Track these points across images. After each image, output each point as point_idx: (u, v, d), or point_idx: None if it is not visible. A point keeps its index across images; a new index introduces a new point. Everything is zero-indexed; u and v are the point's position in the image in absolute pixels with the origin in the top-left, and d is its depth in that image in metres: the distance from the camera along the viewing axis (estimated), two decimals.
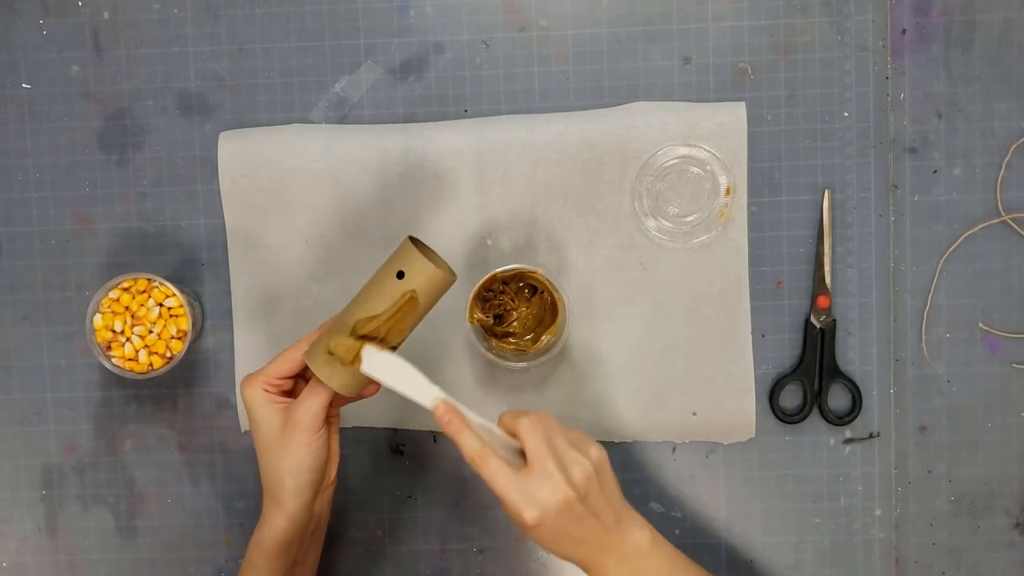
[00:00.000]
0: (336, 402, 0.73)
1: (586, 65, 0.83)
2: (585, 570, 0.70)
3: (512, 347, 0.81)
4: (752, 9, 0.83)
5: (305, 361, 0.70)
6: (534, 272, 0.79)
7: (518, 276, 0.81)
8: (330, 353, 0.69)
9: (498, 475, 0.66)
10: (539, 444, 0.66)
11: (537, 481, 0.65)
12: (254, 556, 0.73)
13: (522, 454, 0.68)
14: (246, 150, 0.84)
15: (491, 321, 0.81)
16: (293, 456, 0.70)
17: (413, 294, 0.68)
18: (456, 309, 0.81)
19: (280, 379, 0.71)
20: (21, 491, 0.87)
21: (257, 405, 0.71)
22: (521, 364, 0.81)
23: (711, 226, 0.83)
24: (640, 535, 0.70)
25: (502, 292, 0.81)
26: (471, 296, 0.79)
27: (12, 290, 0.86)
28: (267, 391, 0.71)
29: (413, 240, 0.70)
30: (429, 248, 0.71)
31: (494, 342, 0.81)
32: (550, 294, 0.80)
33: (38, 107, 0.85)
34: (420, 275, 0.68)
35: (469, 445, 0.66)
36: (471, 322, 0.79)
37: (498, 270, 0.78)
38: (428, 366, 0.84)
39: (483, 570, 0.86)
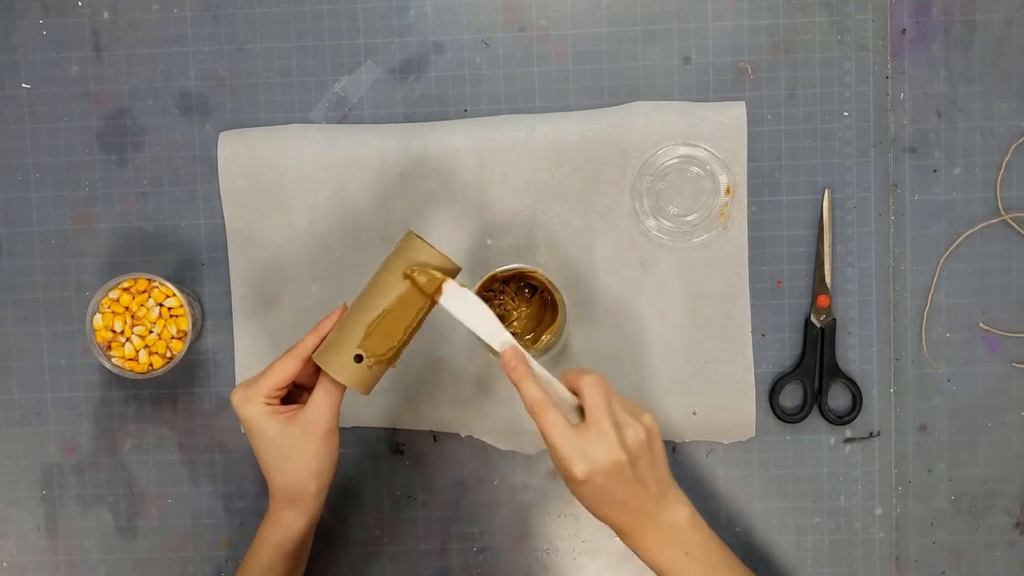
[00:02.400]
0: None
1: (586, 65, 0.83)
2: (622, 535, 0.72)
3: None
4: (752, 9, 0.83)
5: (316, 362, 0.70)
6: (534, 272, 0.79)
7: (518, 276, 0.81)
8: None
9: (555, 426, 0.67)
10: (599, 402, 0.68)
11: (593, 438, 0.67)
12: (272, 559, 0.74)
13: (580, 412, 0.70)
14: (246, 150, 0.84)
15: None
16: (317, 460, 0.71)
17: (413, 283, 0.68)
18: None
19: (279, 390, 0.72)
20: (21, 491, 0.87)
21: (260, 420, 0.71)
22: None
23: (711, 225, 0.83)
24: (681, 510, 0.71)
25: (502, 292, 0.81)
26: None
27: (12, 290, 0.86)
28: (268, 403, 0.71)
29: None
30: (429, 244, 0.72)
31: None
32: (550, 294, 0.80)
33: (38, 107, 0.85)
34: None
35: (531, 394, 0.68)
36: None
37: (498, 270, 0.78)
38: (428, 365, 0.84)
39: (483, 570, 0.86)
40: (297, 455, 0.71)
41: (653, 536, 0.71)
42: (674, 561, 0.71)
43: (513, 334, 0.82)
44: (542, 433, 0.68)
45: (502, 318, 0.82)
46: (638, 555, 0.72)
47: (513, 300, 0.82)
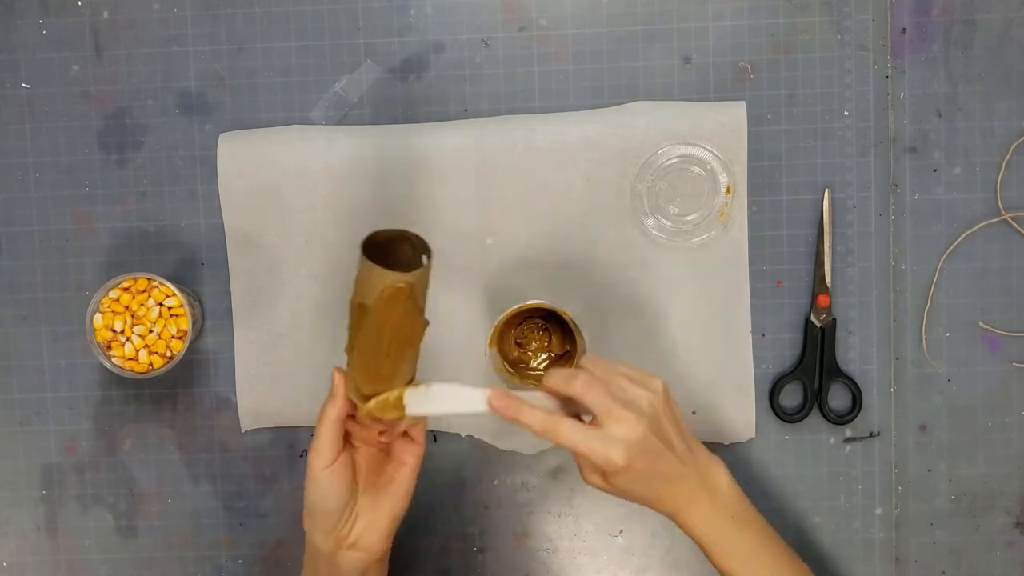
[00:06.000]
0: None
1: (586, 65, 0.83)
2: (672, 513, 0.71)
3: (531, 380, 0.81)
4: (752, 9, 0.83)
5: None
6: (562, 313, 0.77)
7: (535, 310, 0.80)
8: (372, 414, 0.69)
9: (575, 433, 0.66)
10: (600, 398, 0.67)
11: (612, 425, 0.67)
12: None
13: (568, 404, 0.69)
14: (246, 150, 0.84)
15: (515, 353, 0.81)
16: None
17: (362, 306, 0.66)
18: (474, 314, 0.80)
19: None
20: (21, 491, 0.87)
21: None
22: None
23: (711, 225, 0.83)
24: (720, 472, 0.72)
25: (525, 338, 0.81)
26: (496, 327, 0.78)
27: (12, 290, 0.86)
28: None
29: (372, 242, 0.67)
30: (408, 237, 0.68)
31: (507, 368, 0.80)
32: (559, 322, 0.79)
33: (38, 107, 0.85)
34: (374, 289, 0.66)
35: (536, 419, 0.67)
36: (490, 347, 0.79)
37: (528, 303, 0.77)
38: (427, 365, 0.84)
39: (483, 570, 0.86)
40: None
41: (701, 503, 0.70)
42: (723, 528, 0.71)
43: (522, 363, 0.81)
44: (566, 446, 0.67)
45: (522, 345, 0.82)
46: (689, 531, 0.71)
47: (535, 336, 0.82)
